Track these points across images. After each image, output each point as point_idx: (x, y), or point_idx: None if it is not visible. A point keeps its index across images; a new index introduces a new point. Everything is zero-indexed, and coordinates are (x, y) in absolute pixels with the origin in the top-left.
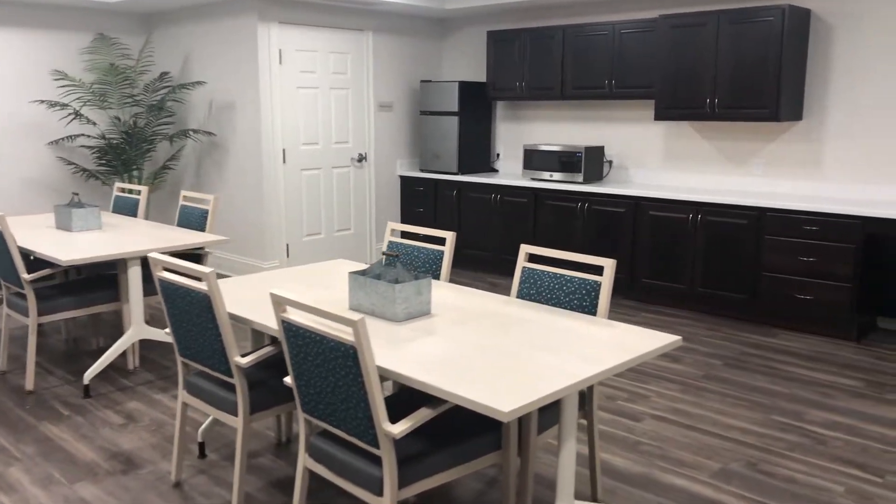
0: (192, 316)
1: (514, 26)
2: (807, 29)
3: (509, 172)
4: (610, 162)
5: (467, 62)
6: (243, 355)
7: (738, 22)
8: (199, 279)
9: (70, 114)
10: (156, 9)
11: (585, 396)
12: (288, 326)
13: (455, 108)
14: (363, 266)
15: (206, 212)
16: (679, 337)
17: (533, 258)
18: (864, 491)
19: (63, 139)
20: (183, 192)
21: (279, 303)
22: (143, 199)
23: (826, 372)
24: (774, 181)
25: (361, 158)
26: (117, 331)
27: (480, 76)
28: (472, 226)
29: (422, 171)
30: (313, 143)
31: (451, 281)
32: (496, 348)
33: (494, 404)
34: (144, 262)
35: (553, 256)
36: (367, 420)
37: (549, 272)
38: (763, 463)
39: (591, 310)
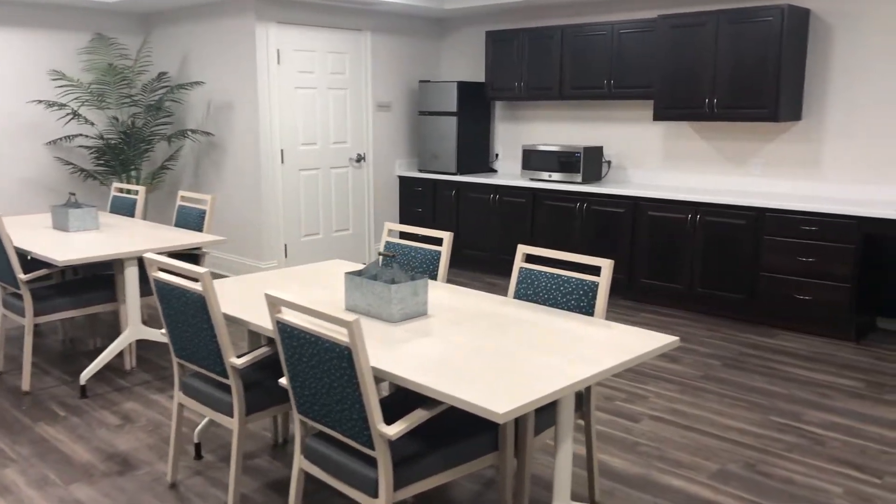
0: (188, 316)
1: (512, 26)
2: (806, 29)
3: (508, 172)
4: (609, 162)
5: (466, 62)
6: (239, 356)
7: (738, 22)
8: (194, 280)
9: (68, 114)
10: (154, 9)
11: (583, 397)
12: (283, 327)
13: (454, 109)
14: (360, 266)
15: (204, 212)
16: (677, 338)
17: (530, 258)
18: (863, 492)
19: (61, 139)
20: (180, 193)
21: (274, 303)
22: (140, 199)
23: (825, 372)
24: (773, 181)
25: (360, 159)
26: (115, 331)
27: (479, 76)
28: (471, 226)
29: (420, 171)
30: (311, 144)
31: (450, 281)
32: (492, 349)
33: (490, 406)
34: (142, 263)
35: (551, 257)
36: (363, 421)
37: (546, 272)
38: (761, 464)
39: (588, 310)
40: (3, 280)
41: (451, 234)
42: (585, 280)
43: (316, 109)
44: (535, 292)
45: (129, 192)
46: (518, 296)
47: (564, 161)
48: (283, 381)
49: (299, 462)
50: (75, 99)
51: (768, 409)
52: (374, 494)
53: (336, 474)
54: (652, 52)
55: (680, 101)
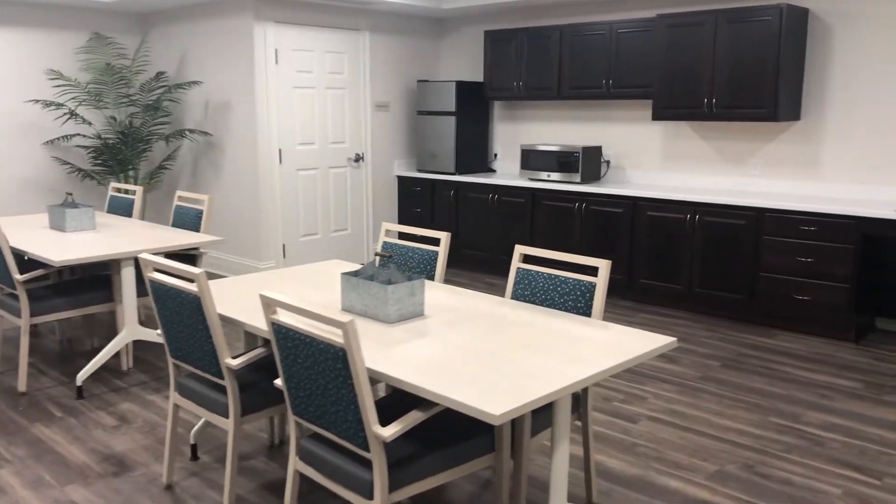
0: (183, 317)
1: (511, 26)
2: (805, 28)
3: (507, 172)
4: (607, 162)
5: (464, 62)
6: (235, 357)
7: (736, 21)
8: (190, 280)
9: (65, 113)
10: (152, 8)
11: (580, 398)
12: (278, 328)
13: (452, 108)
14: (358, 267)
15: (201, 212)
16: (674, 338)
17: (528, 259)
18: (862, 493)
19: (58, 139)
20: (178, 193)
21: (269, 304)
22: (137, 199)
23: (824, 373)
24: (772, 181)
25: (358, 158)
26: (112, 331)
27: (478, 76)
28: (470, 226)
29: (419, 171)
30: (310, 144)
31: (449, 281)
32: (489, 350)
33: (485, 407)
34: (138, 263)
35: (548, 257)
36: (358, 423)
37: (543, 273)
38: (760, 465)
39: (585, 311)
40: None
41: (449, 234)
42: (583, 280)
43: (314, 109)
44: (533, 293)
45: (126, 192)
46: (515, 296)
47: (563, 161)
48: (279, 382)
49: (294, 463)
50: (73, 98)
51: (767, 410)
52: (370, 496)
53: (331, 476)
54: (650, 51)
55: (679, 101)
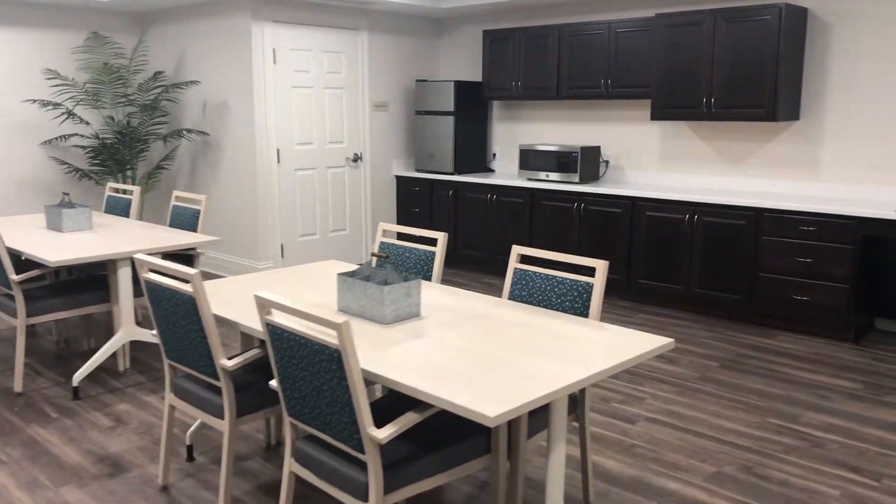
0: (178, 318)
1: (509, 25)
2: (804, 28)
3: (505, 172)
4: (606, 162)
5: (463, 62)
6: (230, 358)
7: (735, 21)
8: (185, 281)
9: (63, 113)
10: (149, 8)
11: (577, 399)
12: (272, 329)
13: (451, 108)
14: (354, 267)
15: (198, 212)
16: (671, 339)
17: (526, 259)
18: (860, 495)
19: (56, 139)
20: (175, 193)
21: (264, 305)
22: (135, 199)
23: (823, 374)
24: (771, 181)
25: (356, 158)
26: (110, 332)
27: (476, 76)
28: (469, 226)
29: (417, 171)
30: (308, 143)
31: (448, 281)
32: (485, 351)
33: (480, 409)
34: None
35: (546, 258)
36: (353, 424)
37: (541, 273)
38: (758, 466)
39: (583, 311)
40: None
41: (446, 234)
42: (580, 281)
43: (312, 109)
44: (530, 293)
45: (123, 192)
46: (512, 297)
47: (562, 161)
48: (274, 383)
49: (289, 465)
50: (70, 98)
51: (766, 411)
52: (365, 498)
53: (326, 478)
54: (649, 51)
55: (677, 101)
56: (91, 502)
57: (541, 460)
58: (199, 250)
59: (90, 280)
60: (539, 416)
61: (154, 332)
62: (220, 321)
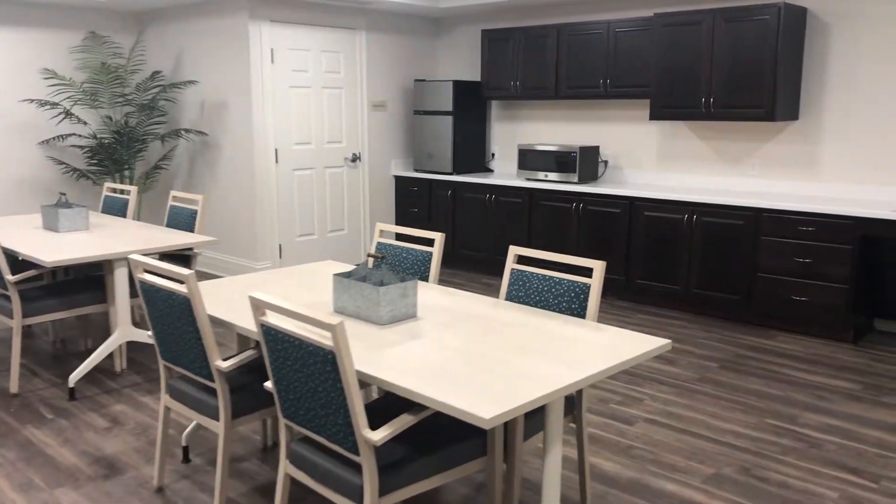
0: (173, 319)
1: (508, 25)
2: (803, 27)
3: (504, 172)
4: (605, 162)
5: (462, 61)
6: (225, 359)
7: (734, 20)
8: (180, 282)
9: (61, 113)
10: (147, 7)
11: (574, 400)
12: (267, 330)
13: (449, 108)
14: (351, 267)
15: (196, 212)
16: (668, 340)
17: (523, 260)
18: (859, 497)
19: (54, 139)
20: (172, 193)
21: (258, 306)
22: (132, 199)
23: (822, 374)
24: (770, 181)
25: (355, 158)
26: (106, 333)
27: (475, 75)
28: (467, 226)
29: (416, 171)
30: (306, 143)
31: (446, 282)
32: (481, 352)
33: (475, 411)
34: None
35: (543, 258)
36: (347, 426)
37: (538, 274)
38: (756, 468)
39: (580, 312)
40: None
41: (443, 234)
42: (577, 282)
43: (310, 109)
44: (527, 294)
45: (121, 192)
46: (510, 297)
47: (561, 161)
48: (269, 384)
49: (285, 467)
50: (68, 98)
51: (764, 412)
52: (360, 501)
53: (321, 480)
54: (648, 51)
55: (676, 101)
56: None
57: (538, 462)
58: (196, 250)
59: (87, 280)
60: (536, 417)
61: (150, 332)
62: (216, 322)
